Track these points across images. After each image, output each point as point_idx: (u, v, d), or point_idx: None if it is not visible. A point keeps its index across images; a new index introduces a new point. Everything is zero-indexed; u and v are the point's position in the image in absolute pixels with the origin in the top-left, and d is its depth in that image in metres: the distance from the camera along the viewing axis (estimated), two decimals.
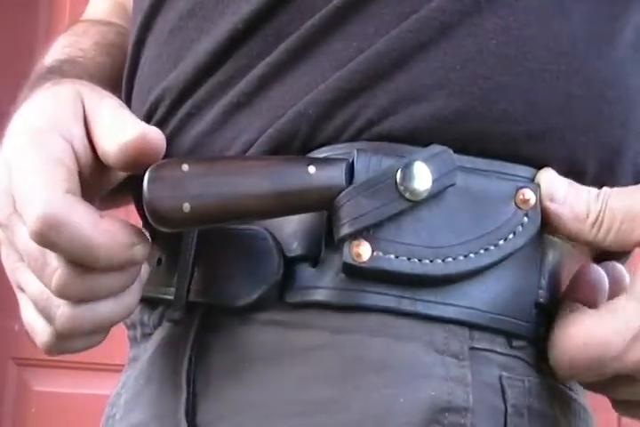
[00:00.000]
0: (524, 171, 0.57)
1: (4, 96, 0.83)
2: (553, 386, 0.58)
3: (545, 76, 0.57)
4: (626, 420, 0.60)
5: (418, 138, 0.55)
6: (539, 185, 0.56)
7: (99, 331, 0.58)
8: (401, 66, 0.56)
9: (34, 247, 0.55)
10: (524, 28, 0.57)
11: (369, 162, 0.54)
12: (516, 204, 0.55)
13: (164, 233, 0.56)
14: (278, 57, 0.58)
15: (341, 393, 0.53)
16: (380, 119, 0.56)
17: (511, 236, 0.55)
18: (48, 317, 0.57)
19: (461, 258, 0.54)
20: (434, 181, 0.53)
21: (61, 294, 0.54)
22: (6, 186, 0.56)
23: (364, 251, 0.53)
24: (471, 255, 0.54)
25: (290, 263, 0.55)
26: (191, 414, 0.56)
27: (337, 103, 0.56)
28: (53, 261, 0.55)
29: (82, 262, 0.54)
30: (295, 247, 0.55)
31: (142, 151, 0.55)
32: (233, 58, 0.60)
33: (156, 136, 0.55)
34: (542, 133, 0.57)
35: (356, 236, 0.53)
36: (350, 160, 0.54)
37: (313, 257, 0.55)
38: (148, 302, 0.65)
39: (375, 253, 0.53)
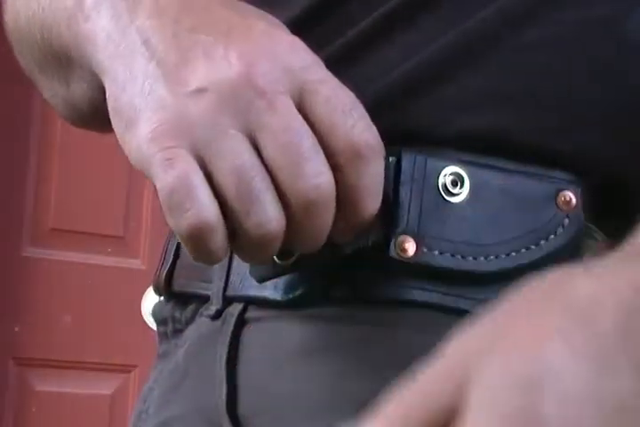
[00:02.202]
0: (564, 174, 0.58)
1: None
2: None
3: (590, 90, 0.58)
4: None
5: (462, 145, 0.56)
6: (580, 187, 0.57)
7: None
8: (448, 76, 0.57)
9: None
10: (568, 41, 0.58)
11: (414, 160, 0.55)
12: (557, 205, 0.56)
13: None
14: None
15: (388, 386, 0.54)
16: (425, 128, 0.56)
17: (552, 236, 0.56)
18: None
19: (503, 256, 0.55)
20: (471, 187, 0.55)
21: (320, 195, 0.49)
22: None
23: (409, 246, 0.54)
24: (513, 254, 0.55)
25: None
26: (232, 408, 0.57)
27: (382, 109, 0.56)
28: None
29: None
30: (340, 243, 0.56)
31: None
32: None
33: None
34: (586, 146, 0.58)
35: (401, 231, 0.54)
36: (395, 158, 0.55)
37: (357, 252, 0.55)
38: (180, 297, 0.65)
39: (420, 249, 0.54)
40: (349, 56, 0.58)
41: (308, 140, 0.49)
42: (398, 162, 0.55)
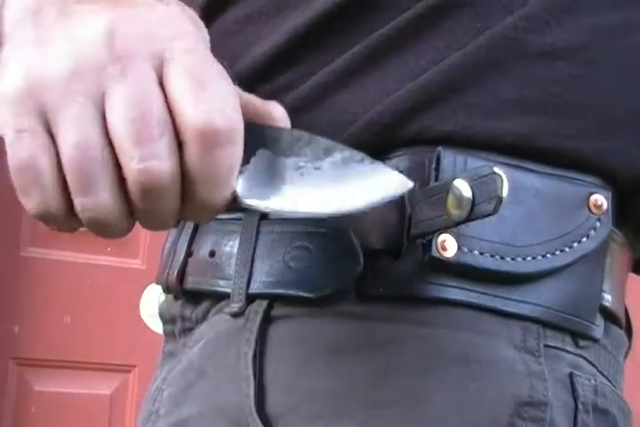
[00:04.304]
0: (593, 178, 0.58)
1: None
2: (610, 387, 0.60)
3: (613, 94, 0.59)
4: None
5: (494, 149, 0.57)
6: (609, 191, 0.58)
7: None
8: (476, 80, 0.57)
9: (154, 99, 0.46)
10: (592, 47, 0.58)
11: (455, 159, 0.56)
12: (589, 208, 0.57)
13: (219, 225, 0.57)
14: (344, 65, 0.58)
15: (425, 385, 0.54)
16: (455, 132, 0.57)
17: (584, 239, 0.57)
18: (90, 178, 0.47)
19: (540, 258, 0.56)
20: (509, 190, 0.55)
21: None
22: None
23: (450, 246, 0.55)
24: (548, 255, 0.56)
25: (369, 256, 0.56)
26: (260, 406, 0.56)
27: (411, 113, 0.57)
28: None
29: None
30: (375, 241, 0.56)
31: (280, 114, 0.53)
32: (293, 63, 0.60)
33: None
34: (610, 150, 0.59)
35: (442, 231, 0.54)
36: (435, 157, 0.56)
37: (393, 251, 0.56)
38: (192, 295, 0.65)
39: (461, 249, 0.55)
40: (371, 59, 0.58)
41: (153, 119, 0.46)
42: (438, 161, 0.55)
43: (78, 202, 0.48)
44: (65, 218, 0.48)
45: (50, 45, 0.48)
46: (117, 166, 0.47)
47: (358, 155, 0.51)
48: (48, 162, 0.47)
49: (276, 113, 0.53)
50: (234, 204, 0.50)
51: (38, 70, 0.47)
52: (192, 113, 0.47)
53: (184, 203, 0.49)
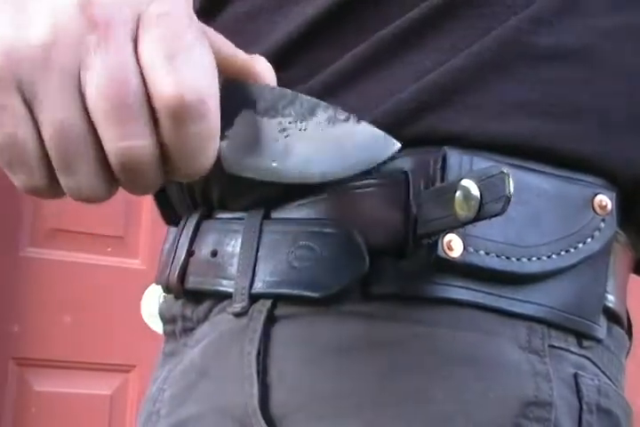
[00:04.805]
0: (597, 179, 0.59)
1: None
2: (613, 387, 0.60)
3: (614, 96, 0.59)
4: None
5: (497, 150, 0.57)
6: (614, 191, 0.58)
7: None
8: (480, 82, 0.57)
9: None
10: (594, 49, 0.59)
11: (461, 159, 0.56)
12: (593, 209, 0.58)
13: (220, 224, 0.58)
14: (347, 65, 0.58)
15: (429, 384, 0.54)
16: (459, 134, 0.57)
17: (589, 240, 0.57)
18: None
19: (545, 258, 0.56)
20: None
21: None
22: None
23: (456, 246, 0.55)
24: (554, 256, 0.56)
25: (374, 256, 0.56)
26: (263, 406, 0.56)
27: (415, 114, 0.57)
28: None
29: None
30: (379, 241, 0.56)
31: (267, 69, 0.53)
32: (294, 62, 0.60)
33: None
34: (610, 152, 0.59)
35: (448, 231, 0.54)
36: (441, 157, 0.56)
37: (398, 250, 0.56)
38: (192, 295, 0.65)
39: (467, 249, 0.55)
40: (374, 59, 0.58)
41: (129, 96, 0.46)
42: (444, 160, 0.55)
43: (62, 181, 0.48)
44: (52, 192, 0.49)
45: (25, 14, 0.47)
46: (98, 142, 0.47)
47: (342, 114, 0.52)
48: (30, 139, 0.47)
49: (261, 68, 0.53)
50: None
51: (13, 42, 0.46)
52: (161, 87, 0.46)
53: (167, 173, 0.50)
